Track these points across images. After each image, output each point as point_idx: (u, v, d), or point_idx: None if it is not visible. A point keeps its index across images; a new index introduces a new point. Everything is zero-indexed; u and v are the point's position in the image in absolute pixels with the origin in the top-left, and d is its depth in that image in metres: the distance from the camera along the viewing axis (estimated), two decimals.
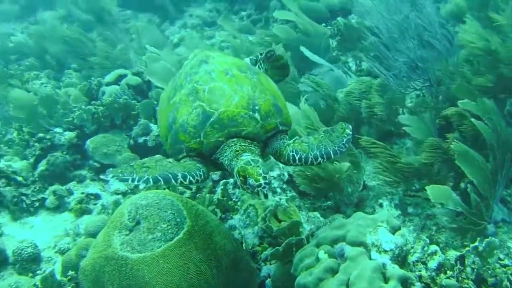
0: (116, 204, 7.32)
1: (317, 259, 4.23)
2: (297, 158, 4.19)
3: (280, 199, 6.43)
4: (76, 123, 9.10)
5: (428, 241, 4.39)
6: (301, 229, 5.43)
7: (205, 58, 4.61)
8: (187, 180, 4.06)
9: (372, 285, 3.84)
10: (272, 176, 6.90)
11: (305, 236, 5.13)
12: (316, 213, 6.35)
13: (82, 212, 7.87)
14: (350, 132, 4.30)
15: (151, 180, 3.96)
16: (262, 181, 3.74)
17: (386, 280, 3.93)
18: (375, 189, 6.93)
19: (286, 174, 7.06)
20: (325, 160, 4.21)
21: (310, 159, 4.18)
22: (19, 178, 8.25)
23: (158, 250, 4.38)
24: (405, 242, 4.27)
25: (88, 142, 8.91)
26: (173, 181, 4.04)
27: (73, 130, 9.11)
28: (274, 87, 4.66)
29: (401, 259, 4.19)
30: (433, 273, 4.07)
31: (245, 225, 6.24)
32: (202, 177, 4.15)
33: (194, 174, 4.08)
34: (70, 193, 8.24)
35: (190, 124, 4.10)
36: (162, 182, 4.04)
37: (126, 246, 4.48)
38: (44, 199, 8.03)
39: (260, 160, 3.98)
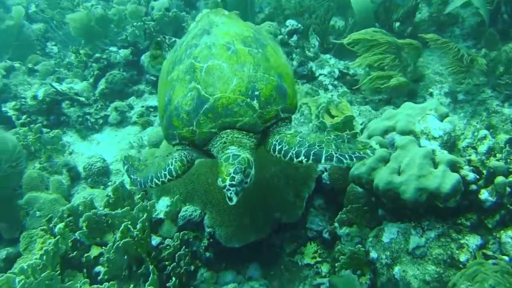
0: None
1: None
2: (277, 149, 3.74)
3: (332, 95, 6.47)
4: (129, 40, 9.34)
5: (478, 127, 4.39)
6: (354, 123, 5.50)
7: (209, 27, 4.28)
8: (160, 181, 4.06)
9: (422, 171, 3.97)
10: (323, 74, 6.91)
11: (359, 130, 5.23)
12: (368, 107, 6.38)
13: (144, 124, 8.21)
14: (371, 154, 3.50)
15: (139, 185, 4.24)
16: (227, 183, 3.49)
17: (435, 165, 4.03)
18: (425, 78, 6.83)
19: (336, 71, 7.05)
20: (309, 161, 3.56)
21: (290, 155, 3.65)
22: (82, 99, 8.65)
23: None
24: (453, 128, 4.30)
25: (142, 57, 9.16)
26: (148, 184, 4.14)
27: (128, 48, 9.36)
28: (282, 62, 4.22)
29: (450, 144, 4.25)
30: (483, 157, 4.11)
31: (300, 123, 6.36)
32: (177, 172, 4.03)
33: (167, 172, 4.03)
34: (131, 108, 8.62)
35: (184, 109, 3.80)
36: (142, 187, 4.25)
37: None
38: (107, 116, 8.44)
39: (245, 156, 3.69)
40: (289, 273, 5.11)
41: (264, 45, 4.21)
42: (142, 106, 8.57)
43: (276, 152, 3.75)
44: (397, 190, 4.02)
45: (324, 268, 4.95)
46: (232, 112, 3.72)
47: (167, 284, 4.57)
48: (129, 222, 4.87)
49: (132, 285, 4.64)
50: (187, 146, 4.05)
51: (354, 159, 3.44)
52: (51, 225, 5.52)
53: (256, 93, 3.76)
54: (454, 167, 4.05)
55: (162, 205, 5.34)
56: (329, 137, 3.67)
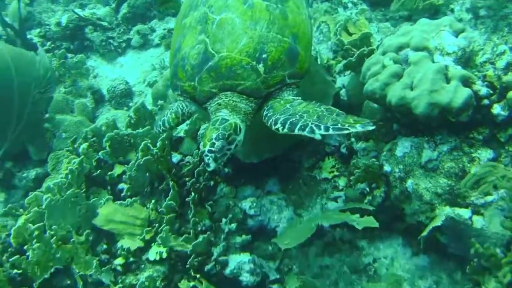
0: None
1: (383, 66, 4.27)
2: (263, 114, 3.64)
3: (351, 13, 6.32)
4: None
5: (497, 42, 4.24)
6: (372, 40, 5.39)
7: None
8: (160, 129, 4.24)
9: (435, 86, 3.90)
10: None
11: (376, 46, 5.13)
12: (387, 24, 6.22)
13: (166, 46, 8.20)
14: (357, 130, 3.21)
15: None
16: (206, 148, 3.48)
17: (448, 80, 3.96)
18: None
19: None
20: (285, 130, 3.37)
21: (270, 121, 3.52)
22: (104, 23, 8.65)
23: None
24: (468, 44, 4.19)
25: None
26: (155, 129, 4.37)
27: None
28: (302, 18, 3.91)
29: (464, 60, 4.15)
30: (501, 72, 4.00)
31: (319, 41, 6.28)
32: (170, 124, 4.16)
33: (161, 123, 4.19)
34: (153, 30, 8.58)
35: (190, 62, 3.69)
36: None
37: None
38: (129, 39, 8.46)
39: (233, 121, 3.61)
40: (307, 187, 5.17)
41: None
42: (164, 29, 8.54)
43: (262, 117, 3.66)
44: (410, 105, 3.97)
45: (341, 182, 4.98)
46: (234, 75, 3.58)
47: (186, 199, 4.68)
48: (149, 141, 4.97)
49: (153, 201, 4.79)
50: (188, 98, 4.00)
51: (331, 130, 3.21)
52: (75, 145, 5.69)
53: (264, 56, 3.56)
54: (466, 82, 3.96)
55: (182, 124, 5.39)
56: (317, 108, 3.45)
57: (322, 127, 3.23)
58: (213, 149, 3.47)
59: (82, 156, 5.17)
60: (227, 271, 4.44)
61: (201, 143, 3.56)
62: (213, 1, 3.84)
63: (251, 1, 3.76)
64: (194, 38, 3.75)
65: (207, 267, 4.42)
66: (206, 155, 3.48)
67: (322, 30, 6.16)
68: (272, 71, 3.58)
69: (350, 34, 5.72)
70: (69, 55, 7.93)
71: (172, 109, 4.15)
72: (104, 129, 5.62)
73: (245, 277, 4.42)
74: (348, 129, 3.20)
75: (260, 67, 3.55)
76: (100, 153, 5.28)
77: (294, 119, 3.37)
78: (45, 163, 6.24)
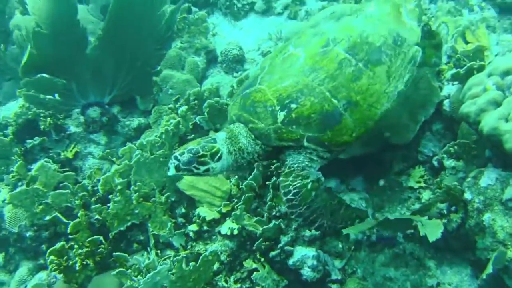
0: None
1: (484, 89, 3.96)
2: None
3: (474, 18, 5.88)
4: None
5: None
6: (486, 54, 5.00)
7: (349, 12, 3.69)
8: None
9: None
10: None
11: (487, 62, 4.77)
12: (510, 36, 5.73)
13: (289, 16, 8.13)
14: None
15: None
16: (176, 153, 3.39)
17: None
18: None
19: None
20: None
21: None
22: None
23: None
24: None
25: None
26: None
27: None
28: (380, 92, 3.41)
29: None
30: None
31: None
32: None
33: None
34: None
35: (246, 81, 3.62)
36: None
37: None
38: (253, 3, 8.38)
39: (217, 147, 3.42)
40: (391, 192, 5.00)
41: (378, 62, 3.44)
42: None
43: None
44: (501, 137, 3.67)
45: (425, 195, 4.77)
46: (253, 111, 3.42)
47: (267, 182, 4.68)
48: None
49: (237, 176, 4.87)
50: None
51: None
52: (177, 105, 5.87)
53: (293, 105, 3.30)
54: None
55: None
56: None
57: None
58: (179, 157, 3.37)
59: (179, 118, 5.32)
60: (290, 261, 4.43)
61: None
62: (302, 37, 3.71)
63: (330, 47, 3.46)
64: (265, 63, 3.73)
65: (272, 253, 4.42)
66: (171, 159, 3.40)
67: (441, 31, 5.79)
68: (291, 124, 3.32)
69: (467, 43, 5.35)
70: (194, 8, 8.05)
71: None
72: (207, 95, 5.73)
73: (306, 272, 4.40)
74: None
75: (280, 115, 3.31)
76: (197, 118, 5.40)
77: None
78: (149, 114, 6.45)
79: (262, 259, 4.47)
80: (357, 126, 3.35)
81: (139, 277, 4.40)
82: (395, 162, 5.07)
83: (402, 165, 5.03)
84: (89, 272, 4.66)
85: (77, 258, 4.56)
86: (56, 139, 6.09)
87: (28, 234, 5.44)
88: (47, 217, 5.04)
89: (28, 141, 5.95)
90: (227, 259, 4.60)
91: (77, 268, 4.54)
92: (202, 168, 3.40)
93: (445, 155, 4.61)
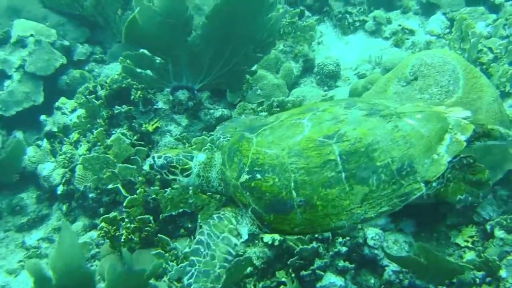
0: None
1: None
2: None
3: None
4: None
5: None
6: None
7: (389, 111, 3.24)
8: None
9: None
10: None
11: None
12: None
13: (397, 43, 8.03)
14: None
15: None
16: (156, 154, 3.53)
17: None
18: None
19: None
20: None
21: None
22: None
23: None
24: None
25: None
26: None
27: None
28: (341, 204, 3.06)
29: None
30: None
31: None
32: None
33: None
34: (389, 22, 8.40)
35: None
36: None
37: (396, 96, 4.77)
38: (364, 21, 8.37)
39: (192, 166, 3.51)
40: (436, 244, 4.95)
41: (363, 182, 3.08)
42: (399, 25, 8.27)
43: None
44: None
45: (469, 256, 4.69)
46: (231, 157, 3.37)
47: None
48: None
49: None
50: None
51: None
52: (259, 108, 6.03)
53: (258, 176, 3.16)
54: None
55: None
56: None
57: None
58: (155, 159, 3.52)
59: None
60: (318, 285, 4.54)
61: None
62: (330, 110, 3.34)
63: (331, 141, 3.12)
64: (281, 115, 3.55)
65: (303, 272, 4.53)
66: (150, 157, 3.58)
67: None
68: (247, 190, 3.21)
69: None
70: (307, 13, 8.15)
71: None
72: (289, 106, 5.84)
73: None
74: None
75: (244, 177, 3.21)
76: None
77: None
78: (234, 108, 6.68)
79: (293, 275, 4.59)
80: (303, 225, 3.16)
81: (174, 263, 4.65)
82: (450, 215, 5.01)
83: (456, 219, 4.96)
84: (133, 245, 4.96)
85: (124, 231, 4.88)
86: (142, 111, 6.43)
87: (90, 195, 5.90)
88: (110, 186, 5.41)
89: (117, 107, 6.34)
90: (262, 266, 4.76)
91: (122, 240, 4.85)
92: (171, 176, 3.56)
93: (496, 225, 4.53)
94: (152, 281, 4.53)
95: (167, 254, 4.72)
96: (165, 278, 4.52)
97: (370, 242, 4.82)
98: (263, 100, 6.31)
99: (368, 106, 3.25)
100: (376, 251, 4.82)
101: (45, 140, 7.11)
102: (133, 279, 4.33)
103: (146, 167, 3.64)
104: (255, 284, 4.66)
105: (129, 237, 4.87)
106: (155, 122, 6.36)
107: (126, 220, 4.98)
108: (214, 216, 3.37)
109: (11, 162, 6.77)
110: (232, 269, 4.23)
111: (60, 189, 6.44)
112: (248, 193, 3.19)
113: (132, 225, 4.91)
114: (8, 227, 6.75)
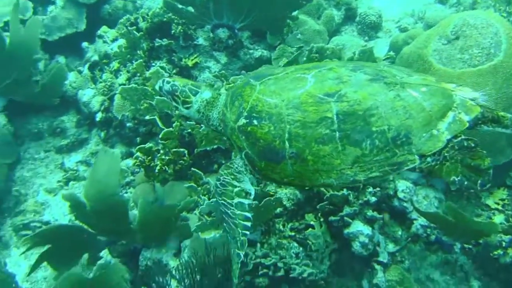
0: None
1: None
2: None
3: None
4: None
5: None
6: None
7: (395, 79, 3.20)
8: None
9: None
10: None
11: None
12: None
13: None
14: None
15: None
16: (167, 78, 3.70)
17: None
18: None
19: None
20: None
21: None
22: None
23: (457, 71, 4.53)
24: None
25: None
26: None
27: None
28: (332, 163, 3.10)
29: None
30: None
31: None
32: None
33: None
34: None
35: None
36: None
37: (436, 54, 4.74)
38: None
39: (196, 100, 3.63)
40: (467, 202, 5.01)
41: (356, 144, 3.10)
42: None
43: None
44: None
45: (497, 219, 4.75)
46: (233, 100, 3.42)
47: None
48: None
49: None
50: None
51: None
52: (297, 52, 6.04)
53: (255, 122, 3.23)
54: None
55: None
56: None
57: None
58: (164, 83, 3.70)
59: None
60: (345, 231, 4.66)
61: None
62: (335, 70, 3.32)
63: (330, 100, 3.14)
64: (289, 68, 3.57)
65: (332, 218, 4.65)
66: (161, 79, 3.73)
67: None
68: (243, 134, 3.30)
69: None
70: None
71: None
72: (328, 53, 5.84)
73: (356, 245, 4.63)
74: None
75: (242, 121, 3.29)
76: None
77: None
78: (274, 50, 6.66)
79: (322, 219, 4.70)
80: (293, 176, 3.23)
81: (205, 197, 4.82)
82: None
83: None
84: (167, 176, 5.14)
85: (158, 163, 5.05)
86: (182, 46, 6.47)
87: (128, 124, 6.09)
88: (147, 117, 5.56)
89: (157, 40, 6.41)
90: (292, 207, 4.86)
91: (156, 171, 5.04)
92: (174, 103, 3.75)
93: None
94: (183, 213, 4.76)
95: (199, 188, 4.87)
96: (196, 211, 4.72)
97: (400, 195, 4.91)
98: (302, 45, 6.31)
99: (374, 72, 3.21)
100: (405, 204, 4.90)
101: (86, 66, 7.26)
102: (164, 212, 4.57)
103: (156, 87, 3.82)
104: (284, 224, 4.78)
105: (163, 168, 5.05)
106: (195, 58, 6.43)
107: (161, 151, 5.14)
108: (218, 183, 3.48)
109: (53, 86, 6.97)
110: (262, 208, 4.40)
111: (98, 116, 6.66)
112: (243, 137, 3.27)
113: (167, 157, 5.07)
114: (49, 147, 7.05)
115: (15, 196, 6.57)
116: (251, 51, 6.59)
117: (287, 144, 3.11)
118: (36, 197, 6.56)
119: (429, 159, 3.08)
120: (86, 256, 4.98)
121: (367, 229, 4.64)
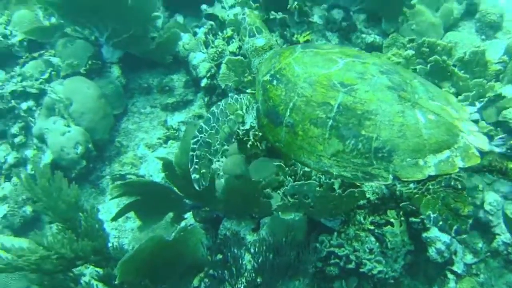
0: None
1: None
2: None
3: None
4: None
5: None
6: None
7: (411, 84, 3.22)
8: None
9: None
10: None
11: None
12: None
13: None
14: None
15: None
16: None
17: None
18: None
19: None
20: None
21: None
22: None
23: None
24: None
25: None
26: None
27: None
28: (316, 147, 3.28)
29: None
30: None
31: None
32: None
33: None
34: None
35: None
36: None
37: None
38: None
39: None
40: None
41: (340, 138, 3.18)
42: None
43: None
44: None
45: None
46: (272, 57, 3.79)
47: None
48: None
49: None
50: None
51: None
52: (409, 45, 5.91)
53: (274, 82, 3.52)
54: None
55: None
56: None
57: None
58: (244, 15, 4.13)
59: (403, 59, 5.43)
60: (423, 234, 4.66)
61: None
62: (367, 62, 3.40)
63: (342, 89, 3.23)
64: (335, 47, 3.77)
65: (412, 219, 4.67)
66: (242, 11, 4.12)
67: None
68: (263, 88, 3.60)
69: None
70: None
71: None
72: (439, 49, 5.62)
73: (431, 251, 4.66)
74: None
75: (267, 76, 3.59)
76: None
77: None
78: (387, 37, 6.51)
79: (402, 218, 4.70)
80: (283, 143, 3.46)
81: (291, 178, 4.88)
82: None
83: None
84: (258, 152, 5.24)
85: (252, 138, 5.15)
86: (297, 21, 6.46)
87: (230, 94, 6.17)
88: (249, 90, 5.64)
89: (272, 12, 6.41)
90: (375, 201, 4.87)
91: (249, 145, 5.15)
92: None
93: None
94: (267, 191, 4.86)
95: (287, 168, 4.94)
96: (279, 191, 4.79)
97: (487, 207, 4.78)
98: (414, 37, 6.11)
99: (399, 82, 3.18)
100: (490, 217, 4.75)
101: (201, 29, 7.44)
102: (248, 187, 4.69)
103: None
104: (365, 216, 4.80)
105: (256, 144, 5.14)
106: (307, 35, 6.40)
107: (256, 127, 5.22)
108: (234, 95, 3.84)
109: (167, 45, 7.22)
110: (344, 198, 4.42)
111: (203, 82, 6.85)
112: (261, 91, 3.59)
113: (260, 133, 5.15)
114: (155, 104, 7.39)
115: (116, 147, 7.04)
116: (363, 35, 6.51)
117: (288, 112, 3.33)
118: (136, 150, 6.97)
119: (412, 185, 3.06)
120: (171, 214, 5.27)
121: (446, 237, 4.57)
